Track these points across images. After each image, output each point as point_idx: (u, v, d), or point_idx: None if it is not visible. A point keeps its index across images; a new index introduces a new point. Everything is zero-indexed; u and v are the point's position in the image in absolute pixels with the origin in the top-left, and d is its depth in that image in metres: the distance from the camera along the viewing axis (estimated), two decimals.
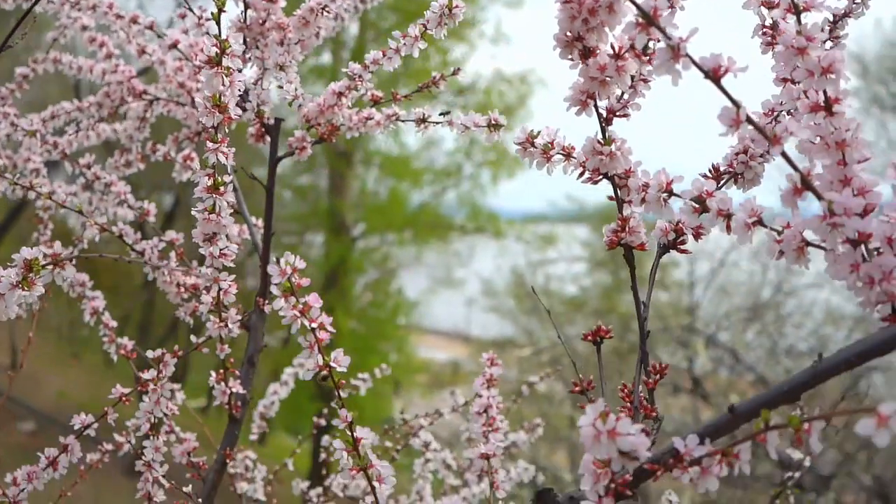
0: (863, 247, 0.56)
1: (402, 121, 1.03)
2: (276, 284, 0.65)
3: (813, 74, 0.56)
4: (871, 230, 0.54)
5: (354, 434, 0.69)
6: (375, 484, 0.69)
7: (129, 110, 1.32)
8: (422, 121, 1.01)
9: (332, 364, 0.67)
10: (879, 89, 9.40)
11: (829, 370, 0.53)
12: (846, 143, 0.57)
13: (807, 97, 0.58)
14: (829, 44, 0.76)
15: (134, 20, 1.15)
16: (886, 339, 0.52)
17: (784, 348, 7.09)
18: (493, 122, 0.91)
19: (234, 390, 1.02)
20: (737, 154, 0.73)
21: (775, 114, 0.74)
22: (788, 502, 1.13)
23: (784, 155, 0.55)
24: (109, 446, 1.19)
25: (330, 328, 0.67)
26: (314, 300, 0.67)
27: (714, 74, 0.54)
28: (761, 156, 0.72)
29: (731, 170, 0.73)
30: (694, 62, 0.54)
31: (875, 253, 0.56)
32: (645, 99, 0.71)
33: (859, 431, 0.43)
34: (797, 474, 1.14)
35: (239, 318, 0.96)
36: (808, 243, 0.58)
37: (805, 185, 0.55)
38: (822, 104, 0.57)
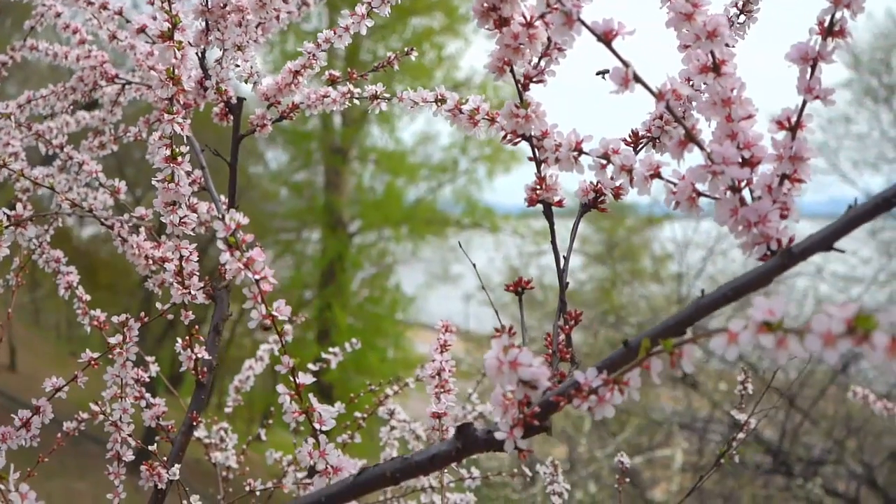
0: (747, 193, 0.61)
1: (357, 98, 1.08)
2: (220, 239, 0.70)
3: (700, 38, 0.62)
4: (747, 177, 0.59)
5: (297, 380, 0.74)
6: (317, 425, 0.74)
7: (104, 95, 1.37)
8: (374, 97, 1.06)
9: (275, 313, 0.73)
10: (871, 81, 9.45)
11: (710, 304, 0.58)
12: (731, 101, 0.62)
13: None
14: (742, 17, 0.82)
15: (104, 6, 1.20)
16: (759, 275, 0.57)
17: None
18: (439, 97, 0.96)
19: (199, 356, 1.08)
20: (654, 119, 0.78)
21: (690, 81, 0.79)
22: (734, 461, 1.18)
23: (670, 110, 0.60)
24: (85, 415, 1.24)
25: (273, 280, 0.72)
26: (258, 254, 0.72)
27: (606, 38, 0.59)
28: (676, 120, 0.77)
29: (648, 134, 0.78)
30: (586, 26, 0.59)
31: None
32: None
33: (712, 348, 0.49)
34: (741, 435, 1.20)
35: (202, 285, 1.01)
36: (700, 193, 0.63)
37: (689, 137, 0.60)
38: (710, 66, 0.63)
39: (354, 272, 11.66)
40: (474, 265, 1.08)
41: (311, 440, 0.74)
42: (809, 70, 0.61)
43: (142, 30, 1.14)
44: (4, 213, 0.74)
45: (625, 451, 1.33)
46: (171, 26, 0.82)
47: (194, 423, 1.10)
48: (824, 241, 0.55)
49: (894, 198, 0.54)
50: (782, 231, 0.59)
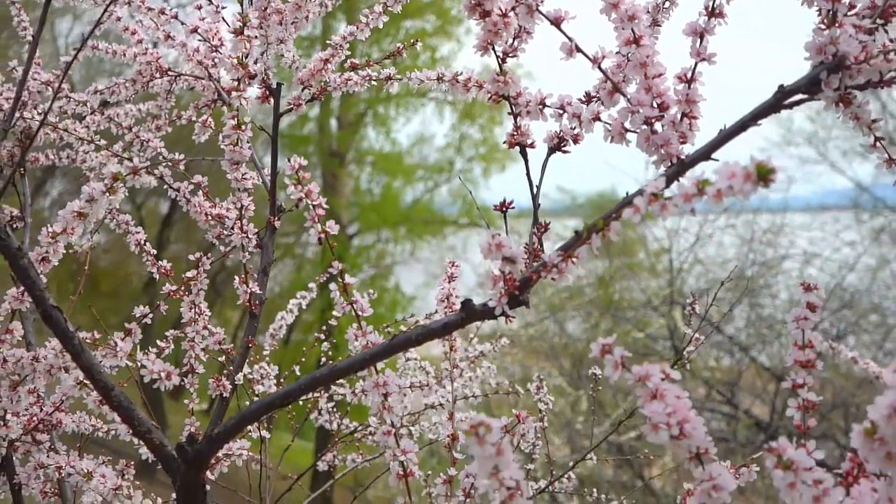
0: (659, 126, 0.88)
1: (374, 80, 1.35)
2: (287, 176, 0.97)
3: (623, 20, 0.89)
4: (656, 115, 0.86)
5: (345, 280, 1.01)
6: (360, 313, 1.01)
7: (156, 86, 1.64)
8: (388, 79, 1.33)
9: (328, 229, 0.99)
10: None
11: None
12: (647, 64, 0.89)
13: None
14: (667, 3, 1.08)
15: (161, 11, 1.46)
16: (664, 178, 0.84)
17: (764, 318, 7.44)
18: (440, 76, 1.22)
19: (253, 290, 1.34)
20: (600, 83, 1.05)
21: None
22: (686, 368, 1.45)
23: (601, 70, 0.87)
24: (154, 350, 1.50)
25: (325, 206, 0.99)
26: (314, 187, 0.99)
27: (557, 22, 0.86)
28: (606, 77, 1.03)
29: (597, 94, 1.05)
30: (542, 14, 0.86)
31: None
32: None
33: (625, 217, 0.75)
34: (691, 348, 1.46)
35: (256, 230, 1.28)
36: (626, 129, 0.90)
37: (615, 88, 0.87)
38: (632, 39, 0.89)
39: (354, 274, 11.91)
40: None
41: (354, 325, 1.01)
42: (699, 40, 0.87)
43: (194, 30, 1.42)
44: (126, 165, 1.00)
45: (618, 429, 1.56)
46: (242, 24, 1.09)
47: (249, 345, 1.36)
48: (705, 154, 0.82)
49: (750, 121, 0.80)
50: (679, 151, 0.86)
